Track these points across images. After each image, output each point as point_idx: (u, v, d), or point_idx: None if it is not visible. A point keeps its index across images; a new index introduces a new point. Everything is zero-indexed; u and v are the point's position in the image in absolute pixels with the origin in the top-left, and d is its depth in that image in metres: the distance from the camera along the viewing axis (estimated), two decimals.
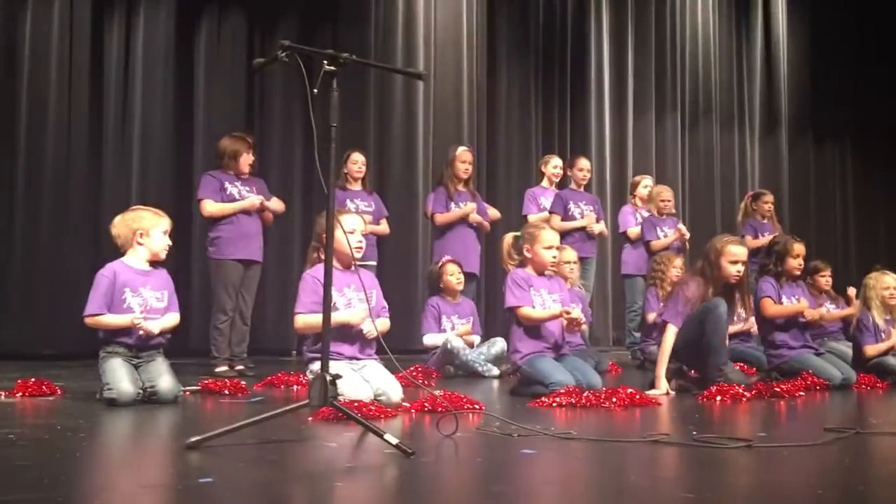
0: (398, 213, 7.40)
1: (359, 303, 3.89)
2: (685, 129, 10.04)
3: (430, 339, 5.68)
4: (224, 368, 5.29)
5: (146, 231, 4.02)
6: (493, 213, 6.70)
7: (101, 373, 3.87)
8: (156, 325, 3.94)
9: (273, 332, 7.06)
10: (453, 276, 5.81)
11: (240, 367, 5.34)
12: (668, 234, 6.91)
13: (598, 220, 6.80)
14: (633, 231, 7.07)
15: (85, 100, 6.74)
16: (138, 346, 3.95)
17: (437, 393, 3.76)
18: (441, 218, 6.27)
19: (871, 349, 5.28)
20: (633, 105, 9.53)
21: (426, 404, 3.54)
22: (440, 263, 5.89)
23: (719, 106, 10.40)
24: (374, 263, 6.49)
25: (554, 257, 4.44)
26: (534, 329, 4.35)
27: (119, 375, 3.79)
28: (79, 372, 5.02)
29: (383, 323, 4.06)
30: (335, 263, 3.92)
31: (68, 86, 6.64)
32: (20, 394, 3.98)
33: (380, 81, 7.81)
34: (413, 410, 3.54)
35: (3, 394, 3.99)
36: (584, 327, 5.99)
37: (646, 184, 7.44)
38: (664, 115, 9.81)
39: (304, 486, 2.14)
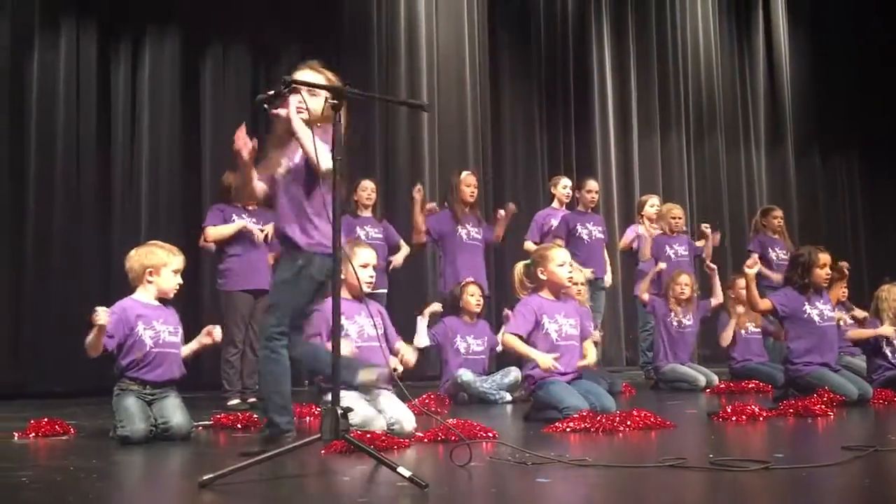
0: (405, 240, 7.40)
1: (370, 329, 3.88)
2: (691, 147, 10.03)
3: (419, 340, 5.55)
4: (236, 401, 5.27)
5: (156, 269, 4.02)
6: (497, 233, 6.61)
7: (115, 410, 3.87)
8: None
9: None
10: (473, 297, 5.76)
11: (252, 400, 5.32)
12: (678, 253, 6.89)
13: (605, 241, 6.83)
14: (626, 241, 7.19)
15: (93, 132, 6.77)
16: (152, 382, 3.94)
17: (450, 422, 3.75)
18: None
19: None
20: (637, 124, 9.54)
21: (440, 434, 3.51)
22: (462, 283, 5.86)
23: (724, 122, 10.39)
24: (385, 291, 6.47)
25: (570, 273, 4.42)
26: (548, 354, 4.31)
27: (132, 413, 3.78)
28: (92, 410, 5.00)
29: (406, 348, 4.06)
30: (345, 294, 3.96)
31: (76, 118, 6.69)
32: (33, 434, 3.97)
33: (385, 109, 7.84)
34: (426, 440, 3.52)
35: (16, 434, 3.98)
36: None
37: (652, 203, 7.44)
38: (669, 133, 9.81)
39: None
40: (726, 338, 6.29)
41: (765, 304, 5.00)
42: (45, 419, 4.11)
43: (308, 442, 2.74)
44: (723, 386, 5.95)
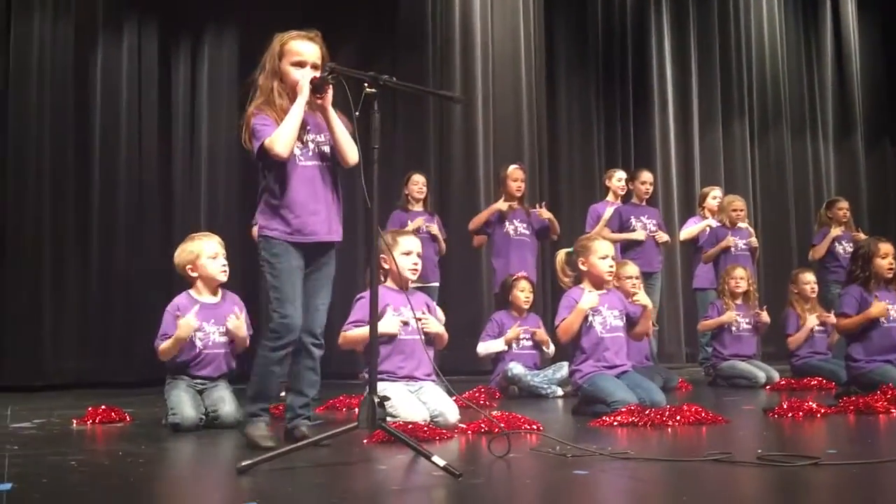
0: (460, 233, 7.39)
1: (414, 321, 3.87)
2: (754, 138, 9.76)
3: (482, 348, 5.60)
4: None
5: (193, 263, 4.09)
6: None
7: (167, 398, 3.98)
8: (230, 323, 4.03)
9: (341, 356, 7.10)
10: (522, 293, 5.71)
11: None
12: (738, 247, 6.73)
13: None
14: (687, 232, 7.02)
15: (154, 130, 6.95)
16: (202, 377, 4.03)
17: (494, 414, 3.73)
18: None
19: None
20: (698, 115, 9.33)
21: (483, 426, 3.50)
22: (515, 277, 5.82)
23: (789, 112, 10.08)
24: (437, 285, 6.49)
25: (611, 266, 4.34)
26: (595, 347, 4.26)
27: (183, 401, 3.87)
28: (151, 399, 5.12)
29: (439, 325, 4.04)
30: (391, 284, 3.97)
31: (138, 116, 6.88)
32: (90, 421, 4.09)
33: (439, 102, 7.85)
34: (470, 432, 3.51)
35: (75, 421, 4.11)
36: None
37: (714, 195, 7.29)
38: (732, 124, 9.57)
39: None
40: (798, 339, 6.08)
41: (847, 323, 4.80)
42: (103, 407, 4.23)
43: (344, 430, 2.76)
44: (783, 383, 5.78)
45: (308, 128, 3.18)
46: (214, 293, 4.15)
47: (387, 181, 7.52)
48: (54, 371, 6.33)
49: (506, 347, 5.55)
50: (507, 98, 8.11)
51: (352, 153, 3.17)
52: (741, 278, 6.21)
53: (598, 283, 4.35)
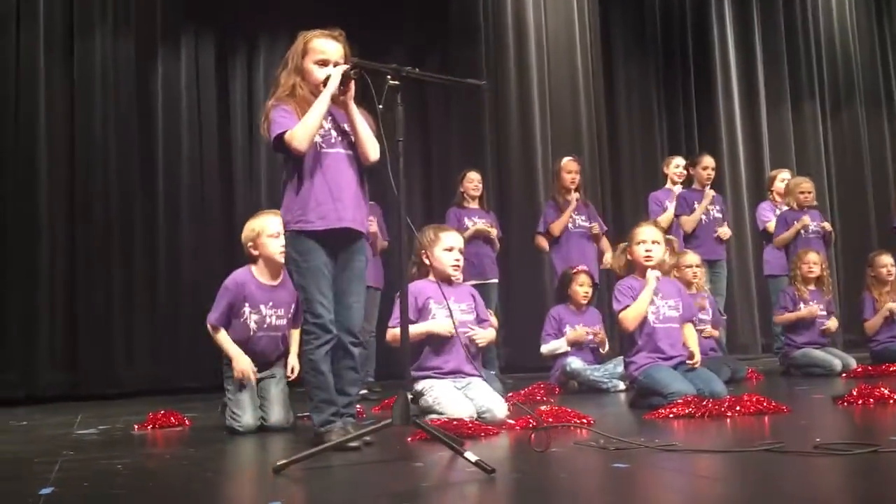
0: (520, 228, 7.32)
1: (461, 315, 3.82)
2: (826, 118, 9.39)
3: (545, 349, 5.51)
4: None
5: (255, 241, 3.97)
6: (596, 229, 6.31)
7: (226, 390, 3.94)
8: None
9: (399, 355, 7.10)
10: (581, 287, 5.61)
11: (363, 392, 5.38)
12: (808, 230, 6.45)
13: (724, 220, 6.49)
14: (772, 225, 6.65)
15: (214, 141, 7.10)
16: (260, 361, 3.98)
17: (544, 409, 3.65)
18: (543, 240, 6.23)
19: None
20: (765, 95, 9.02)
21: (532, 421, 3.42)
22: (575, 270, 5.71)
23: (863, 89, 9.64)
24: (496, 281, 6.43)
25: (647, 251, 4.21)
26: (648, 338, 4.13)
27: (244, 405, 3.84)
28: (214, 404, 5.20)
29: (486, 333, 3.96)
30: (433, 278, 3.92)
31: (199, 127, 7.03)
32: (150, 426, 4.16)
33: (493, 98, 7.78)
34: (518, 427, 3.44)
35: (136, 427, 4.18)
36: (717, 332, 5.71)
37: (783, 177, 7.03)
38: (801, 104, 9.22)
39: None
40: (874, 324, 5.82)
41: None
42: (162, 412, 4.30)
43: (380, 427, 2.72)
44: (860, 370, 5.51)
45: (331, 117, 3.16)
46: (274, 276, 4.01)
47: (444, 179, 7.52)
48: (126, 379, 6.50)
49: (569, 348, 5.45)
50: (564, 89, 7.98)
51: (373, 150, 3.14)
52: (814, 263, 5.96)
53: (642, 270, 4.23)
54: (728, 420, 3.47)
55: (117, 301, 6.56)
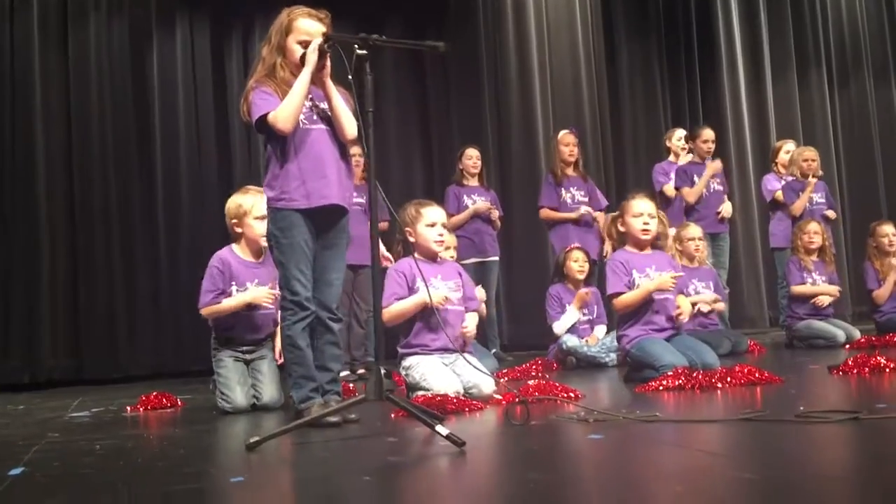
0: (522, 205, 7.25)
1: (448, 292, 3.77)
2: (833, 87, 9.22)
3: (558, 327, 5.43)
4: (346, 373, 5.32)
5: (241, 219, 3.94)
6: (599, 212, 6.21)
7: (216, 372, 3.92)
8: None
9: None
10: (576, 263, 5.54)
11: (361, 371, 5.37)
12: (813, 200, 6.35)
13: (724, 192, 6.41)
14: (780, 195, 6.54)
15: (211, 122, 7.07)
16: (250, 340, 3.96)
17: (532, 384, 3.62)
18: (545, 214, 6.12)
19: None
20: (770, 65, 8.85)
21: (518, 396, 3.38)
22: (567, 249, 5.66)
23: (871, 57, 9.46)
24: (496, 259, 6.39)
25: (645, 224, 4.14)
26: (640, 311, 4.08)
27: (232, 385, 3.83)
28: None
29: (472, 317, 3.92)
30: (419, 256, 3.88)
31: (195, 109, 7.01)
32: (143, 408, 4.16)
33: (493, 75, 7.70)
34: (504, 402, 3.40)
35: (128, 408, 4.18)
36: (720, 306, 5.63)
37: (787, 148, 6.91)
38: (808, 74, 9.06)
39: (327, 482, 2.06)
40: (884, 293, 5.73)
41: None
42: (154, 393, 4.30)
43: (351, 403, 2.70)
44: (863, 340, 5.43)
45: (311, 95, 3.13)
46: (256, 256, 3.99)
47: (443, 157, 7.46)
48: (129, 363, 6.52)
49: (580, 315, 5.38)
50: (565, 63, 7.88)
51: (350, 127, 3.10)
52: (815, 233, 5.87)
53: (639, 243, 4.17)
54: (718, 392, 3.42)
55: (119, 286, 6.57)
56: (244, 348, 3.99)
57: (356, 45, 2.72)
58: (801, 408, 2.67)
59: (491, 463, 2.23)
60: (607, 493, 1.78)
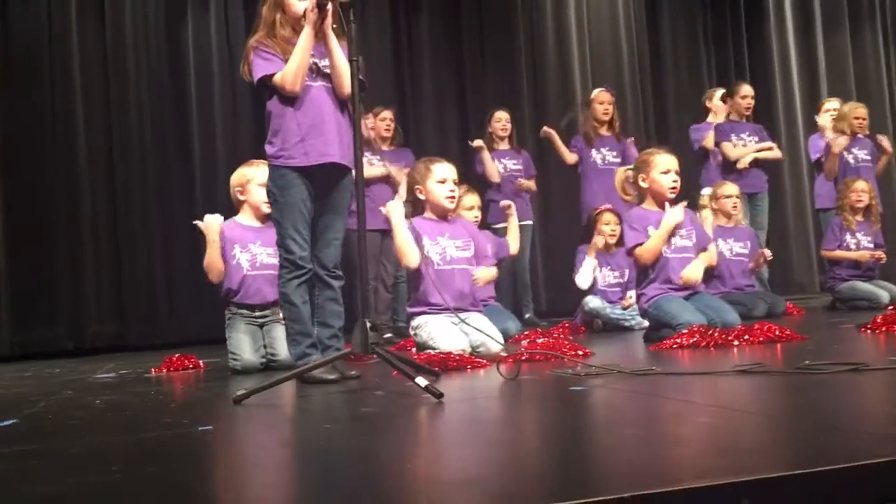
0: (559, 168, 7.10)
1: (455, 251, 3.72)
2: (889, 40, 8.79)
3: (580, 279, 5.27)
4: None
5: (243, 187, 3.98)
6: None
7: (228, 339, 3.96)
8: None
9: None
10: (608, 226, 5.37)
11: (388, 335, 5.35)
12: (859, 158, 6.09)
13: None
14: (818, 154, 6.30)
15: (248, 98, 7.09)
16: (258, 305, 3.98)
17: (540, 343, 3.56)
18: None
19: None
20: (821, 21, 8.49)
21: (523, 355, 3.33)
22: (598, 210, 5.51)
23: None
24: (531, 223, 6.30)
25: (674, 181, 3.99)
26: (661, 269, 3.96)
27: (243, 345, 3.86)
28: None
29: (482, 270, 3.86)
30: (430, 214, 3.83)
31: (231, 83, 7.02)
32: (166, 370, 4.22)
33: (529, 31, 7.55)
34: (510, 360, 3.35)
35: (153, 370, 4.25)
36: (763, 265, 5.45)
37: (828, 107, 6.61)
38: (861, 29, 8.65)
39: (286, 429, 2.05)
40: None
41: None
42: (177, 355, 4.36)
43: (339, 356, 2.68)
44: None
45: (312, 53, 3.09)
46: (261, 221, 4.01)
47: (479, 121, 7.36)
48: (168, 330, 6.64)
49: (595, 261, 5.25)
50: (603, 21, 7.69)
51: (348, 82, 3.05)
52: (863, 191, 5.63)
53: (661, 201, 4.03)
54: (735, 349, 3.31)
55: (158, 253, 6.68)
56: (256, 313, 4.01)
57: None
58: (806, 361, 2.55)
59: (463, 416, 2.18)
60: (551, 439, 1.72)
